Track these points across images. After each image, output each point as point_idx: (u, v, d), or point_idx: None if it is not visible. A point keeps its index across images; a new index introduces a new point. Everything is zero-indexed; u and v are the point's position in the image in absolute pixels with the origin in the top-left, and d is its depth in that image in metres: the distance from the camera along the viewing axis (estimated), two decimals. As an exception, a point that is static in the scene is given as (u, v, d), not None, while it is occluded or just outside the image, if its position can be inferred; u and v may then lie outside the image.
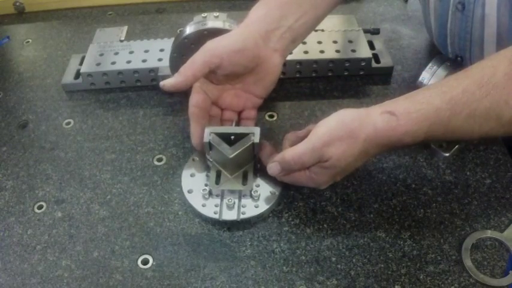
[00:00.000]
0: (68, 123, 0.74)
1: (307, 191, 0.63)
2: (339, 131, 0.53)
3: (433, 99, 0.50)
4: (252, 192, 0.60)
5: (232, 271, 0.55)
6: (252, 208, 0.59)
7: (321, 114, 0.72)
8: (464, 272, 0.54)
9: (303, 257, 0.56)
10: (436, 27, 0.69)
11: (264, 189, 0.61)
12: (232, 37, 0.60)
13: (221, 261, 0.56)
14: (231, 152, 0.58)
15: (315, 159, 0.54)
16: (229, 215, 0.58)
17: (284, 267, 0.55)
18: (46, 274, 0.56)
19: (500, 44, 0.60)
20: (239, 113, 0.66)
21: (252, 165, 0.61)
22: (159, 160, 0.68)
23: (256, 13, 0.62)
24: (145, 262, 0.57)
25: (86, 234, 0.60)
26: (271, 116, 0.73)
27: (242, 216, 0.58)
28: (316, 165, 0.55)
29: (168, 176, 0.65)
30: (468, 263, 0.54)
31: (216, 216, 0.58)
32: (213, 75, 0.61)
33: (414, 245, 0.57)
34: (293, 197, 0.61)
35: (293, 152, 0.54)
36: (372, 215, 0.60)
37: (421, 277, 0.54)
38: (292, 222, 0.59)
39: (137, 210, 0.62)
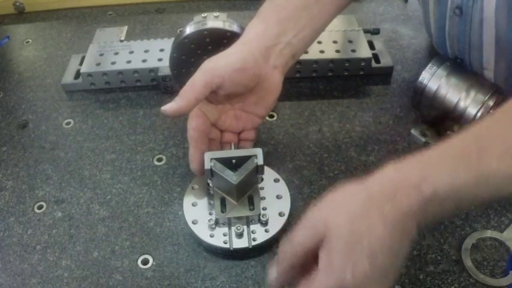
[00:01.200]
0: (68, 123, 0.74)
1: (307, 190, 0.63)
2: (331, 201, 0.44)
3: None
4: (261, 217, 0.57)
5: (232, 271, 0.55)
6: (263, 233, 0.57)
7: (321, 114, 0.72)
8: (464, 272, 0.54)
9: (303, 257, 0.56)
10: (435, 30, 0.69)
11: (272, 212, 0.58)
12: (232, 56, 0.57)
13: (221, 261, 0.56)
14: (236, 179, 0.56)
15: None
16: (240, 243, 0.56)
17: (284, 267, 0.55)
18: (46, 274, 0.56)
19: (499, 48, 0.60)
20: (238, 134, 0.63)
21: (256, 188, 0.60)
22: (159, 160, 0.68)
23: (254, 30, 0.60)
24: (145, 262, 0.57)
25: (86, 234, 0.60)
26: (271, 116, 0.73)
27: (254, 243, 0.56)
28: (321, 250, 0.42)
29: (168, 176, 0.65)
30: (468, 263, 0.54)
31: (227, 246, 0.56)
32: (213, 95, 0.58)
33: (414, 245, 0.56)
34: (293, 197, 0.61)
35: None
36: (372, 215, 0.60)
37: (421, 277, 0.54)
38: (292, 222, 0.59)
39: (137, 210, 0.62)
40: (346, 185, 0.44)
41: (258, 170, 0.58)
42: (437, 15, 0.66)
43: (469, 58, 0.65)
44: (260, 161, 0.58)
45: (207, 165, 0.57)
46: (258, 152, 0.58)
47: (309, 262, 0.43)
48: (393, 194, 0.41)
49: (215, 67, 0.56)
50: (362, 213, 0.41)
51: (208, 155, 0.58)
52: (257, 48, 0.57)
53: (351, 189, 0.44)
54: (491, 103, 0.61)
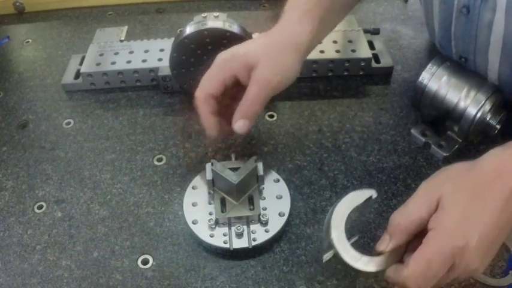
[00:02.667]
0: (68, 123, 0.74)
1: (307, 190, 0.63)
2: (445, 177, 0.47)
3: None
4: (261, 217, 0.57)
5: (232, 271, 0.55)
6: (263, 233, 0.57)
7: (321, 114, 0.72)
8: (464, 272, 0.54)
9: (303, 257, 0.56)
10: (440, 30, 0.68)
11: (272, 212, 0.58)
12: (293, 67, 0.58)
13: (221, 261, 0.56)
14: (236, 179, 0.57)
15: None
16: (240, 243, 0.56)
17: (284, 267, 0.55)
18: (46, 274, 0.56)
19: (505, 49, 0.60)
20: None
21: (256, 188, 0.60)
22: (159, 160, 0.68)
23: (302, 27, 0.59)
24: (145, 262, 0.57)
25: (86, 234, 0.60)
26: (271, 116, 0.73)
27: (254, 243, 0.56)
28: (433, 218, 0.44)
29: (168, 176, 0.65)
30: (468, 263, 0.54)
31: (227, 246, 0.56)
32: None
33: (414, 245, 0.56)
34: (293, 197, 0.61)
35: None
36: (371, 215, 0.60)
37: (421, 277, 0.54)
38: (292, 222, 0.59)
39: (137, 210, 0.62)
40: (458, 163, 0.47)
41: (258, 180, 0.59)
42: (442, 14, 0.65)
43: (474, 58, 0.64)
44: (260, 171, 0.59)
45: (209, 176, 0.58)
46: (259, 163, 0.59)
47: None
48: (503, 172, 0.44)
49: (279, 82, 0.56)
50: (474, 188, 0.44)
51: (209, 166, 0.58)
52: (305, 52, 0.59)
53: (463, 166, 0.47)
54: (491, 103, 0.61)
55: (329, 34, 0.78)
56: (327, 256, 0.49)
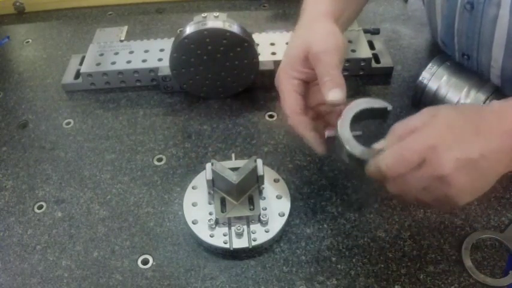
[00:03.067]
0: (68, 123, 0.74)
1: (307, 190, 0.63)
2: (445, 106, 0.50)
3: None
4: (261, 217, 0.57)
5: (232, 271, 0.55)
6: (263, 233, 0.57)
7: (321, 114, 0.72)
8: (464, 272, 0.54)
9: (303, 257, 0.56)
10: (443, 27, 0.68)
11: (272, 212, 0.58)
12: (337, 33, 0.56)
13: (221, 261, 0.56)
14: (236, 178, 0.57)
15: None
16: (240, 243, 0.56)
17: (284, 267, 0.55)
18: (46, 274, 0.56)
19: (509, 46, 0.60)
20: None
21: (256, 188, 0.60)
22: (159, 160, 0.68)
23: (322, 5, 0.60)
24: (145, 262, 0.57)
25: (86, 234, 0.60)
26: (271, 116, 0.73)
27: (254, 243, 0.56)
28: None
29: (168, 176, 0.65)
30: (468, 263, 0.54)
31: (227, 246, 0.56)
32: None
33: (414, 245, 0.57)
34: (293, 197, 0.61)
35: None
36: (371, 215, 0.60)
37: (421, 277, 0.54)
38: (292, 222, 0.59)
39: (137, 210, 0.62)
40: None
41: (259, 180, 0.59)
42: (446, 11, 0.65)
43: (477, 55, 0.64)
44: (260, 171, 0.59)
45: (209, 176, 0.58)
46: (259, 162, 0.58)
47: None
48: (499, 113, 0.46)
49: (336, 47, 0.54)
50: (469, 112, 0.47)
51: (209, 166, 0.58)
52: (333, 21, 0.58)
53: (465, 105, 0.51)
54: (491, 103, 0.61)
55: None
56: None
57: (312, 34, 0.56)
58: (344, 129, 0.52)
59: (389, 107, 0.53)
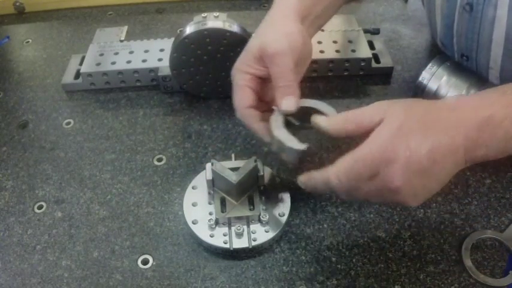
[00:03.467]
0: (68, 123, 0.74)
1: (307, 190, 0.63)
2: (398, 100, 0.49)
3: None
4: (261, 217, 0.57)
5: (232, 271, 0.55)
6: (263, 233, 0.57)
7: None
8: (464, 272, 0.54)
9: (303, 257, 0.56)
10: (442, 28, 0.68)
11: (272, 212, 0.58)
12: (296, 33, 0.56)
13: (221, 261, 0.56)
14: (236, 178, 0.57)
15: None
16: (240, 243, 0.56)
17: (284, 267, 0.55)
18: (46, 274, 0.56)
19: (508, 47, 0.60)
20: None
21: (256, 188, 0.60)
22: (159, 160, 0.68)
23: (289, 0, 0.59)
24: (145, 262, 0.57)
25: (86, 234, 0.60)
26: (271, 116, 0.73)
27: (254, 243, 0.56)
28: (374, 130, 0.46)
29: (168, 176, 0.65)
30: (468, 263, 0.54)
31: (227, 246, 0.56)
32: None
33: (414, 245, 0.57)
34: (293, 197, 0.61)
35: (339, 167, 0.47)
36: (371, 215, 0.60)
37: (421, 277, 0.54)
38: (292, 222, 0.59)
39: (137, 210, 0.62)
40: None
41: (259, 180, 0.59)
42: (445, 11, 0.65)
43: (475, 56, 0.64)
44: (260, 171, 0.59)
45: (209, 176, 0.58)
46: (259, 162, 0.58)
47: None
48: (456, 106, 0.46)
49: (288, 50, 0.54)
50: (422, 113, 0.45)
51: (209, 166, 0.58)
52: (298, 20, 0.57)
53: (418, 100, 0.48)
54: (491, 103, 0.61)
55: (329, 34, 0.79)
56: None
57: (269, 34, 0.56)
58: (275, 117, 0.54)
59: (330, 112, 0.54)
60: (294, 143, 0.52)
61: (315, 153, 0.50)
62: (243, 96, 0.57)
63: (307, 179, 0.51)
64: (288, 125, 0.55)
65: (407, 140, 0.44)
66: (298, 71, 0.57)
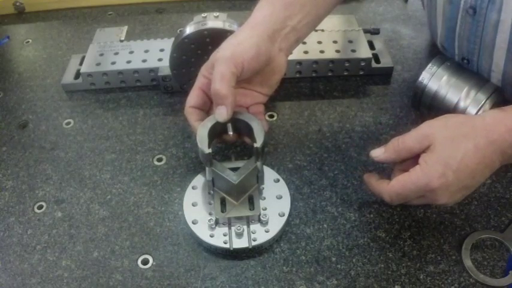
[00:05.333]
0: (68, 123, 0.74)
1: (307, 190, 0.63)
2: (442, 122, 0.53)
3: None
4: (261, 217, 0.57)
5: (232, 271, 0.55)
6: (263, 233, 0.56)
7: (321, 114, 0.72)
8: (464, 272, 0.54)
9: (303, 257, 0.56)
10: (443, 31, 0.68)
11: (272, 212, 0.58)
12: (246, 42, 0.58)
13: (221, 261, 0.56)
14: (236, 179, 0.57)
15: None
16: (240, 243, 0.56)
17: (284, 267, 0.55)
18: (46, 274, 0.56)
19: (511, 50, 0.59)
20: (247, 108, 0.64)
21: (256, 188, 0.60)
22: (159, 160, 0.68)
23: (261, 13, 0.61)
24: (145, 262, 0.57)
25: (86, 234, 0.60)
26: (271, 116, 0.73)
27: (254, 243, 0.56)
28: (422, 153, 0.52)
29: (168, 176, 0.65)
30: (468, 263, 0.54)
31: (227, 246, 0.55)
32: None
33: (414, 245, 0.57)
34: (293, 197, 0.61)
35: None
36: (372, 215, 0.60)
37: (421, 277, 0.54)
38: (292, 222, 0.59)
39: (137, 210, 0.62)
40: (458, 114, 0.55)
41: (259, 180, 0.59)
42: (447, 14, 0.65)
43: (477, 59, 0.64)
44: (260, 171, 0.58)
45: (209, 176, 0.58)
46: (259, 164, 0.58)
47: (409, 161, 0.54)
48: (490, 129, 0.51)
49: (234, 56, 0.57)
50: (463, 141, 0.51)
51: (209, 168, 0.58)
52: (265, 31, 0.59)
53: (461, 118, 0.54)
54: (491, 103, 0.61)
55: (329, 34, 0.79)
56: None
57: (224, 43, 0.59)
58: (207, 120, 0.58)
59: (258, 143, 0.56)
60: (204, 145, 0.56)
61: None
62: (191, 96, 0.61)
63: (367, 181, 0.58)
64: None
65: (452, 170, 0.50)
66: (254, 81, 0.61)
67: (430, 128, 0.53)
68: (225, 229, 0.57)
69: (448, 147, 0.51)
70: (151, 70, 0.76)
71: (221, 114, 0.57)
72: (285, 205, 0.59)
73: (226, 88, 0.56)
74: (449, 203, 0.53)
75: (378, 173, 0.58)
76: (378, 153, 0.56)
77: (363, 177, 0.59)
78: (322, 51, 0.76)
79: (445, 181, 0.50)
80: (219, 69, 0.56)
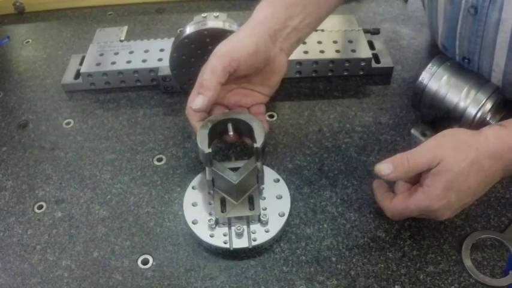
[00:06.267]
0: (68, 123, 0.74)
1: (307, 190, 0.63)
2: (450, 142, 0.53)
3: None
4: (261, 217, 0.57)
5: (232, 271, 0.55)
6: (263, 233, 0.56)
7: (321, 114, 0.72)
8: (464, 272, 0.54)
9: (303, 257, 0.56)
10: (444, 30, 0.68)
11: (272, 212, 0.58)
12: (245, 39, 0.58)
13: (221, 261, 0.56)
14: (236, 179, 0.57)
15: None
16: (240, 243, 0.56)
17: (284, 267, 0.55)
18: (46, 274, 0.56)
19: None
20: (248, 109, 0.64)
21: (256, 188, 0.60)
22: (159, 160, 0.68)
23: (262, 13, 0.62)
24: (145, 262, 0.57)
25: (86, 234, 0.60)
26: (271, 116, 0.73)
27: (254, 243, 0.56)
28: (427, 173, 0.52)
29: (168, 176, 0.65)
30: (468, 263, 0.54)
31: (227, 246, 0.55)
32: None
33: (414, 245, 0.57)
34: (293, 197, 0.61)
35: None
36: (372, 215, 0.60)
37: (421, 277, 0.54)
38: (292, 222, 0.59)
39: (137, 210, 0.62)
40: (464, 131, 0.54)
41: (259, 180, 0.59)
42: (448, 14, 0.65)
43: (478, 59, 0.64)
44: (260, 171, 0.58)
45: (209, 176, 0.58)
46: (259, 164, 0.58)
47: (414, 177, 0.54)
48: (494, 150, 0.51)
49: (231, 51, 0.58)
50: (468, 162, 0.51)
51: (209, 168, 0.58)
52: (266, 31, 0.60)
53: (467, 136, 0.53)
54: (491, 103, 0.61)
55: (329, 34, 0.79)
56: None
57: (228, 38, 0.60)
58: (207, 120, 0.59)
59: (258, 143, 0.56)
60: (204, 145, 0.56)
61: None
62: (192, 97, 0.60)
63: (375, 191, 0.58)
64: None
65: (455, 192, 0.51)
66: (255, 81, 0.62)
67: (441, 149, 0.52)
68: (225, 229, 0.57)
69: (454, 172, 0.51)
70: (151, 70, 0.76)
71: (197, 102, 0.57)
72: (285, 205, 0.59)
73: (213, 82, 0.57)
74: (450, 217, 0.54)
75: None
76: (387, 171, 0.53)
77: (373, 183, 0.58)
78: (322, 51, 0.77)
79: (446, 202, 0.51)
80: (211, 62, 0.57)
